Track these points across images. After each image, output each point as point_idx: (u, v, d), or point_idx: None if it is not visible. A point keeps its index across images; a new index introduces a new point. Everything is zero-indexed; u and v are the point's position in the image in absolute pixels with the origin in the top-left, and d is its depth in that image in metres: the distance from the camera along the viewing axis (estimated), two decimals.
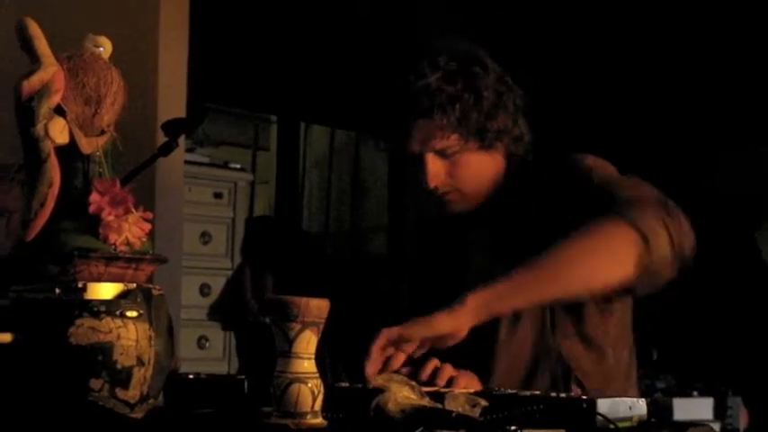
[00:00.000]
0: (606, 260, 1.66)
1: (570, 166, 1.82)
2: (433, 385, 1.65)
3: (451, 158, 1.80)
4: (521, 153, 1.87)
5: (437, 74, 1.76)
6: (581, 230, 1.66)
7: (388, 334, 1.62)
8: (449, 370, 1.68)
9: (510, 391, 1.56)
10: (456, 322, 1.62)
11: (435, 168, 1.80)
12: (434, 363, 1.69)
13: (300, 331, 1.23)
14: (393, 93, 1.81)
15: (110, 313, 1.22)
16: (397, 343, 1.64)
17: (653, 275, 1.67)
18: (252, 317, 4.61)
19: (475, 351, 1.75)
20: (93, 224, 1.26)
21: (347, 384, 1.57)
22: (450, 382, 1.67)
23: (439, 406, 1.28)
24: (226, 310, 4.83)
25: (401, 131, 1.80)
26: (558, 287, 1.67)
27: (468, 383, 1.68)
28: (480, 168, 1.83)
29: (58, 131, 1.27)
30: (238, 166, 5.63)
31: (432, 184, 1.81)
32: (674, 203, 1.72)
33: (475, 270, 1.86)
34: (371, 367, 1.60)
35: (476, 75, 1.79)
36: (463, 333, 1.64)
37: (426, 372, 1.67)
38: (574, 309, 1.81)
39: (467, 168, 1.82)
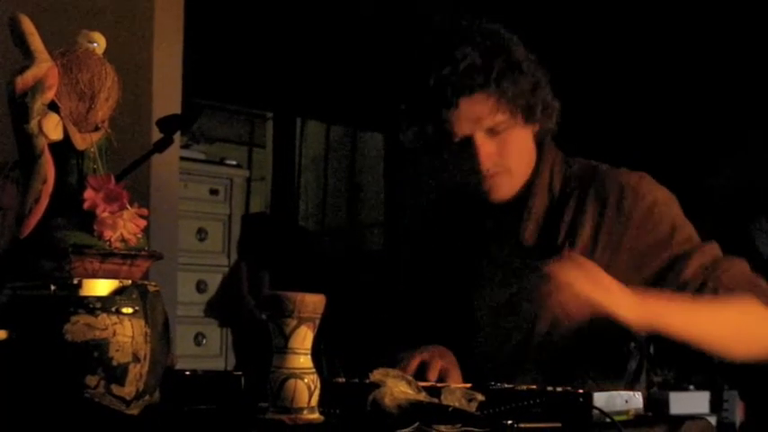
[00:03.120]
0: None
1: (620, 188, 1.78)
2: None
3: (501, 136, 1.76)
4: (552, 128, 1.84)
5: (480, 49, 1.73)
6: (747, 302, 1.68)
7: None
8: (438, 363, 1.70)
9: (506, 385, 1.56)
10: (642, 309, 1.57)
11: (488, 148, 1.76)
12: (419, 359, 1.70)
13: (296, 327, 1.23)
14: (436, 75, 1.73)
15: (105, 310, 1.22)
16: None
17: None
18: (248, 313, 4.61)
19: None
20: (87, 220, 1.26)
21: (343, 380, 1.57)
22: (442, 379, 1.68)
23: (435, 401, 1.28)
24: (222, 307, 4.82)
25: (448, 114, 1.73)
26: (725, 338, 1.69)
27: (455, 374, 1.70)
28: (524, 144, 1.81)
29: (52, 128, 1.26)
30: (234, 162, 5.63)
31: (486, 165, 1.76)
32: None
33: (491, 259, 1.86)
34: None
35: (512, 51, 1.76)
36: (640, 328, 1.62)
37: (412, 368, 1.68)
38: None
39: (514, 143, 1.78)
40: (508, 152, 1.78)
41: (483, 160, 1.76)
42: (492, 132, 1.76)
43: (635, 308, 1.54)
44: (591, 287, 1.52)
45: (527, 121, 1.78)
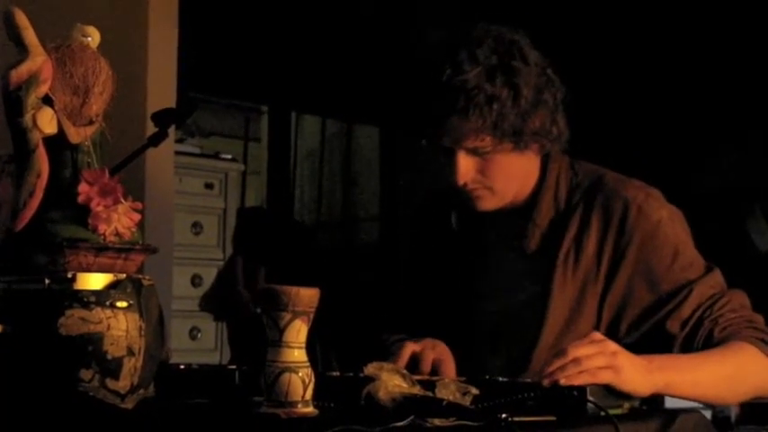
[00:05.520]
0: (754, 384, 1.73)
1: (625, 205, 1.76)
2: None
3: (485, 156, 1.73)
4: (556, 150, 1.81)
5: (476, 69, 1.67)
6: (741, 349, 1.68)
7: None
8: (430, 356, 1.70)
9: (501, 378, 1.56)
10: (649, 383, 1.55)
11: (466, 165, 1.73)
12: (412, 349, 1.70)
13: (291, 320, 1.23)
14: (428, 85, 1.71)
15: (100, 304, 1.22)
16: None
17: None
18: (243, 307, 4.61)
19: None
20: (82, 214, 1.26)
21: (338, 373, 1.58)
22: (435, 370, 1.68)
23: (430, 394, 1.28)
24: (217, 301, 4.82)
25: (433, 125, 1.71)
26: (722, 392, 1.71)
27: (448, 366, 1.69)
28: (513, 168, 1.77)
29: (47, 121, 1.26)
30: (229, 156, 5.62)
31: (461, 182, 1.74)
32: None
33: (493, 262, 1.85)
34: None
35: (516, 71, 1.69)
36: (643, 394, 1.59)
37: (404, 359, 1.68)
38: None
39: (499, 167, 1.75)
40: (491, 174, 1.75)
41: (459, 177, 1.73)
42: (475, 152, 1.73)
43: (643, 384, 1.53)
44: (600, 367, 1.47)
45: (516, 147, 1.73)
